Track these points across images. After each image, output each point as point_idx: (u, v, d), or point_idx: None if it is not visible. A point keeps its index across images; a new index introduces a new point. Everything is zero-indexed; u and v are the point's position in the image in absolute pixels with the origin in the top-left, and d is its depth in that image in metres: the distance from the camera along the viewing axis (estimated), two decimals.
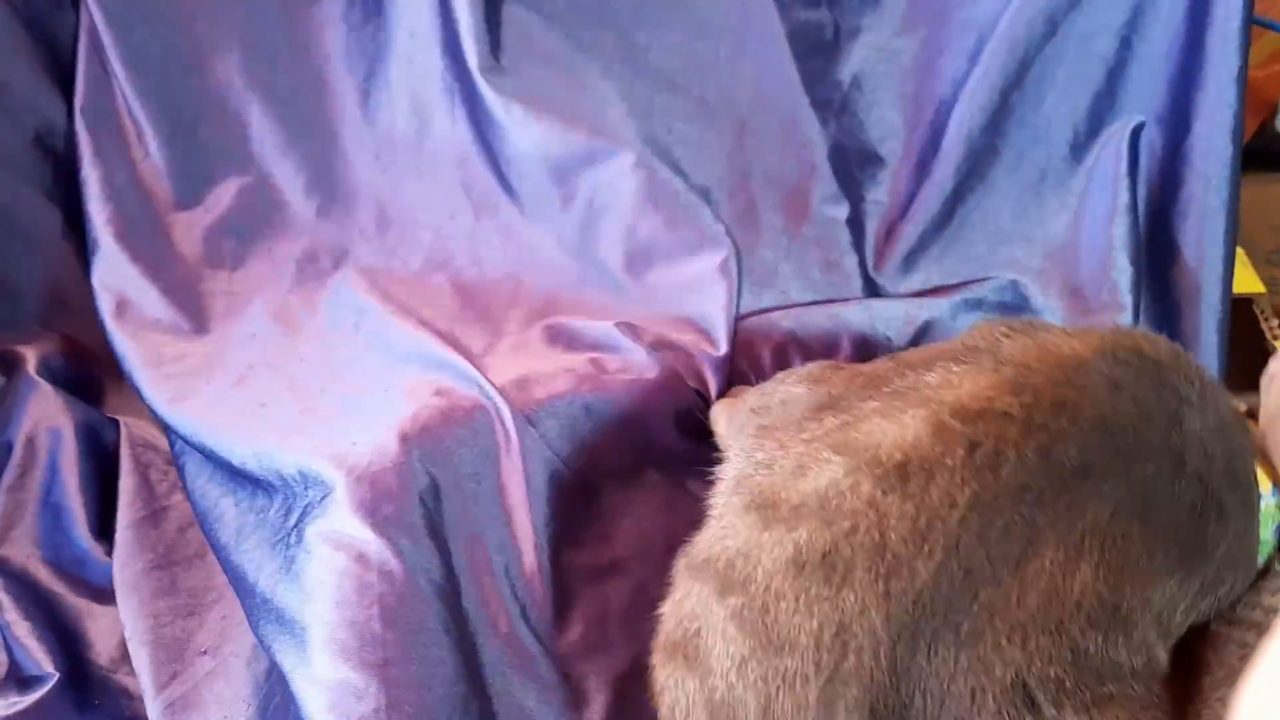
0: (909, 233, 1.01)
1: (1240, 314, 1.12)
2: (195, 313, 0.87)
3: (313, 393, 0.78)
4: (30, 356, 0.91)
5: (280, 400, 0.78)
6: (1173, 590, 0.56)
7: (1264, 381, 0.62)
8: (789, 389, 0.66)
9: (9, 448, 0.87)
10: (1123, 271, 0.94)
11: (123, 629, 0.79)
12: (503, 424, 0.72)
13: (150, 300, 0.87)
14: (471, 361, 0.77)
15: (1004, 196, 1.02)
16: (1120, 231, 0.95)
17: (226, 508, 0.75)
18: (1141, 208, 0.98)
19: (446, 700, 0.60)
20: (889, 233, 1.02)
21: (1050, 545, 0.51)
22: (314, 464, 0.67)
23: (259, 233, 0.94)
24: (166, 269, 0.89)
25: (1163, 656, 0.54)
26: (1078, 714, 0.48)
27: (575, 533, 0.72)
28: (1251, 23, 0.95)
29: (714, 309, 0.83)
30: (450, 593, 0.64)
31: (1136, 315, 0.92)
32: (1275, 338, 1.07)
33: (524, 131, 0.93)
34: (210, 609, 0.75)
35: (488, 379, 0.74)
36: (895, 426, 0.54)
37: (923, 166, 1.02)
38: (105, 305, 0.86)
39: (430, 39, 0.94)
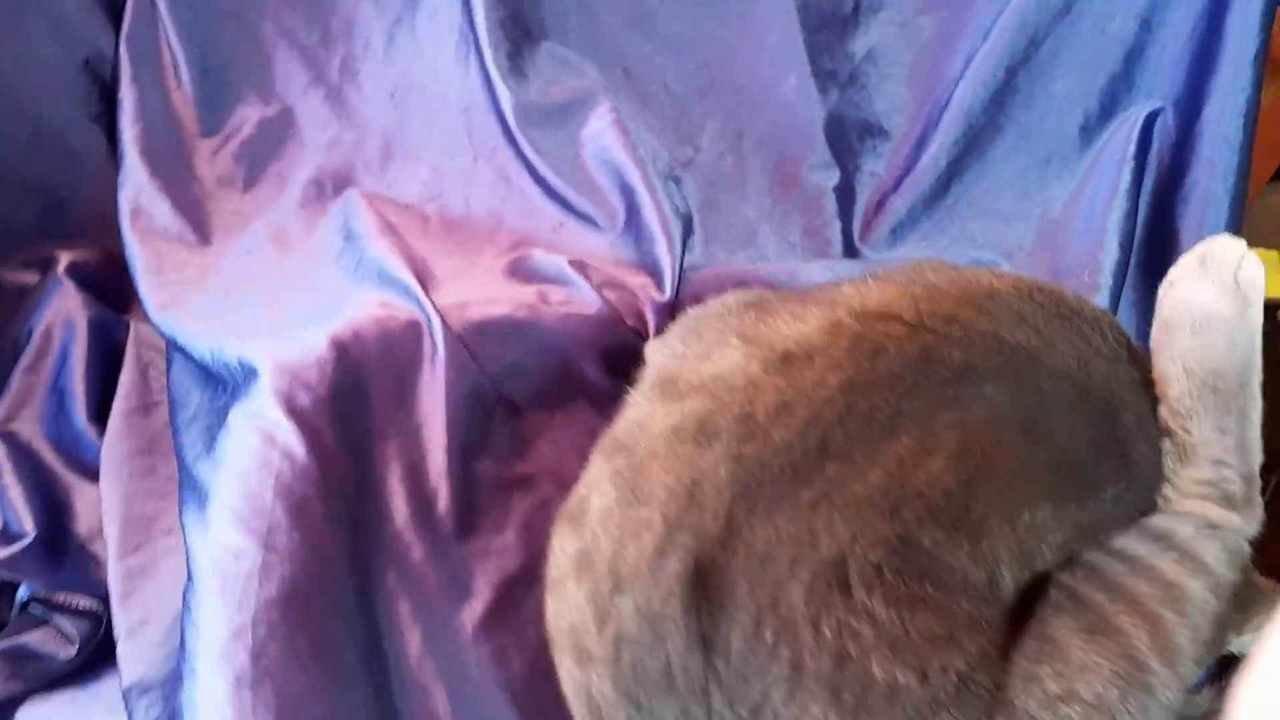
0: (898, 206, 1.00)
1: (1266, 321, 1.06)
2: (200, 226, 0.95)
3: (282, 303, 0.84)
4: (64, 259, 1.00)
5: (254, 308, 0.84)
6: (1045, 518, 0.55)
7: (1162, 288, 0.61)
8: (724, 299, 0.68)
9: (29, 335, 0.96)
10: (1110, 254, 0.91)
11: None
12: (432, 338, 0.76)
13: (162, 212, 0.94)
14: (425, 284, 0.81)
15: (1005, 176, 1.01)
16: (1116, 215, 0.92)
17: (193, 400, 0.81)
18: (1146, 194, 0.94)
19: (323, 575, 0.64)
20: (879, 205, 1.02)
21: (908, 433, 0.52)
22: (250, 354, 0.73)
23: (272, 159, 1.01)
24: (181, 186, 0.97)
25: (1009, 582, 0.53)
26: (887, 606, 0.49)
27: (491, 446, 0.76)
28: (1277, 4, 0.91)
29: (663, 254, 0.85)
30: (349, 483, 0.69)
31: (1115, 299, 0.88)
32: None
33: (523, 87, 0.98)
34: None
35: (430, 298, 0.78)
36: (798, 323, 0.56)
37: (923, 141, 1.02)
38: (124, 213, 0.94)
39: None
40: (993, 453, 0.53)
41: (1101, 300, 0.89)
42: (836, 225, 1.00)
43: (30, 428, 0.93)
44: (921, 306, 0.57)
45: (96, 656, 0.82)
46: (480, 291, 0.82)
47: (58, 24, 1.01)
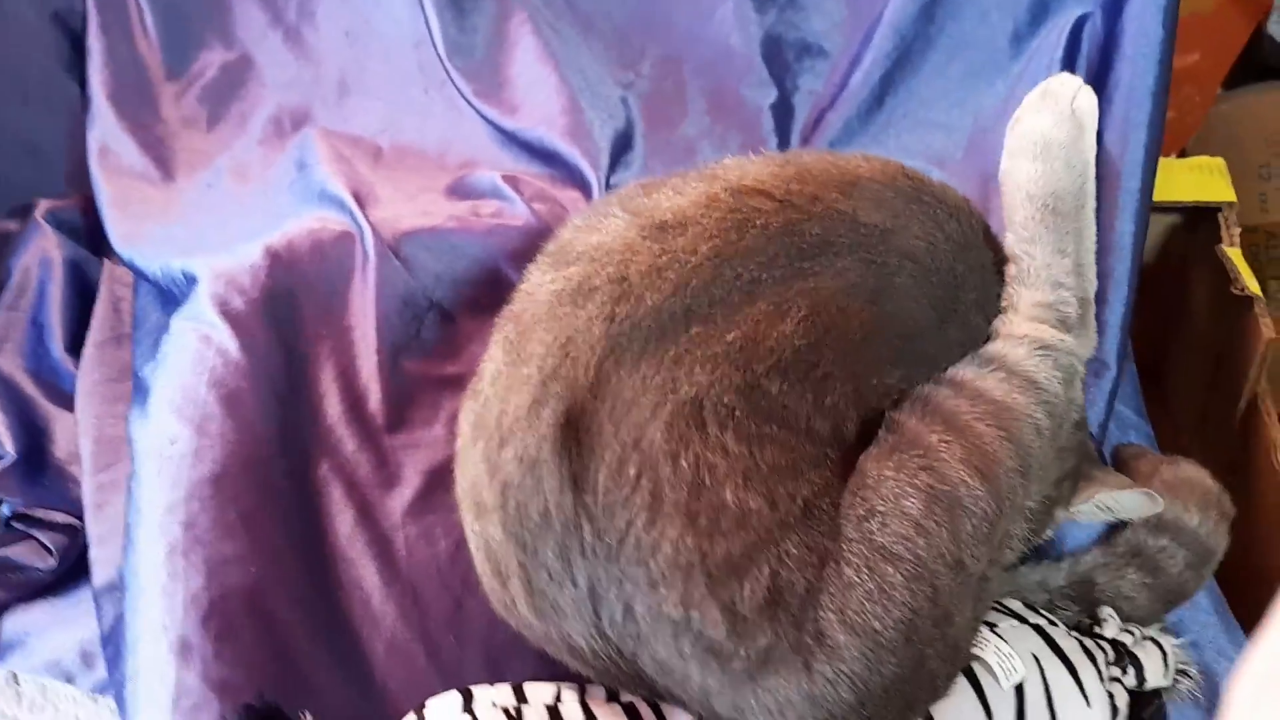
0: (833, 121, 1.02)
1: (1208, 224, 1.07)
2: (164, 164, 1.00)
3: (233, 226, 0.88)
4: (42, 205, 1.06)
5: (206, 231, 0.89)
6: (892, 382, 0.60)
7: (1009, 126, 0.64)
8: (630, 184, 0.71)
9: (9, 275, 1.02)
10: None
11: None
12: (364, 247, 0.80)
13: (128, 150, 0.99)
14: (364, 203, 0.85)
15: (938, 88, 1.02)
16: None
17: (150, 319, 0.87)
18: None
19: (254, 459, 0.69)
20: (816, 121, 1.04)
21: (765, 298, 0.56)
22: (192, 265, 0.77)
23: (234, 99, 1.06)
24: (147, 126, 1.02)
25: (848, 431, 0.58)
26: (739, 441, 0.53)
27: (422, 348, 0.80)
28: None
29: (588, 170, 0.89)
30: (281, 379, 0.73)
31: None
32: (1232, 244, 1.03)
33: (457, 22, 1.02)
34: None
35: (365, 213, 0.82)
36: (677, 196, 0.61)
37: (858, 58, 1.03)
38: (92, 153, 0.99)
39: None
40: (839, 318, 0.58)
41: None
42: (773, 141, 1.03)
43: (11, 360, 0.98)
44: (791, 186, 0.61)
45: (73, 567, 0.88)
46: (415, 207, 0.86)
47: None
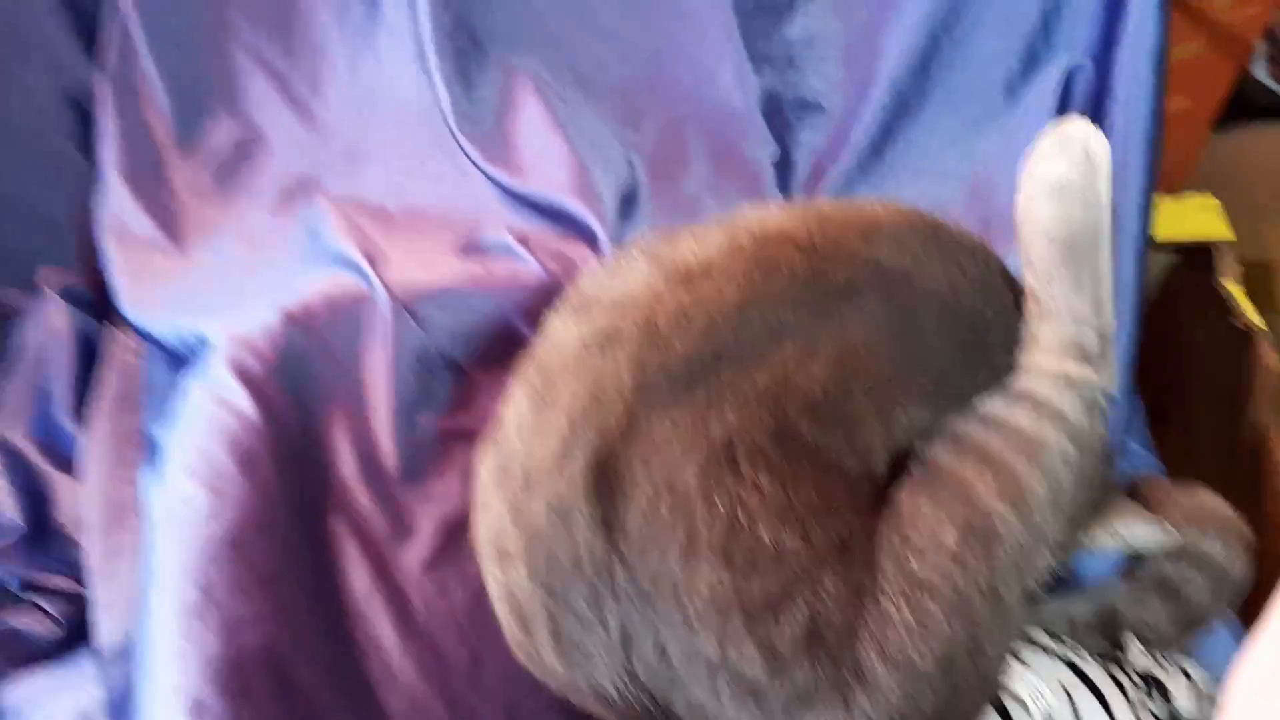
0: (835, 175, 1.04)
1: (1205, 261, 1.09)
2: (175, 233, 1.01)
3: (244, 291, 0.89)
4: (51, 277, 1.07)
5: (217, 295, 0.89)
6: (922, 419, 0.60)
7: (1024, 171, 0.65)
8: (642, 237, 0.72)
9: (19, 348, 1.02)
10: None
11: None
12: (378, 308, 0.81)
13: (139, 221, 1.01)
14: (377, 264, 0.86)
15: (936, 138, 1.05)
16: None
17: (161, 384, 0.87)
18: None
19: (269, 518, 0.68)
20: (818, 176, 1.06)
21: (794, 341, 0.57)
22: (207, 329, 0.78)
23: (244, 171, 1.08)
24: (157, 198, 1.03)
25: (878, 467, 0.58)
26: (772, 479, 0.53)
27: (436, 402, 0.80)
28: None
29: (597, 226, 0.90)
30: (296, 439, 0.74)
31: None
32: (1231, 279, 1.04)
33: (466, 93, 1.04)
34: None
35: (378, 274, 0.83)
36: (700, 244, 0.62)
37: (857, 112, 1.06)
38: (102, 226, 1.01)
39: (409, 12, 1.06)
40: (868, 358, 0.59)
41: None
42: (777, 196, 1.05)
43: (17, 429, 0.98)
44: (813, 232, 0.63)
45: (71, 634, 0.86)
46: (428, 267, 0.87)
47: (44, 56, 1.08)
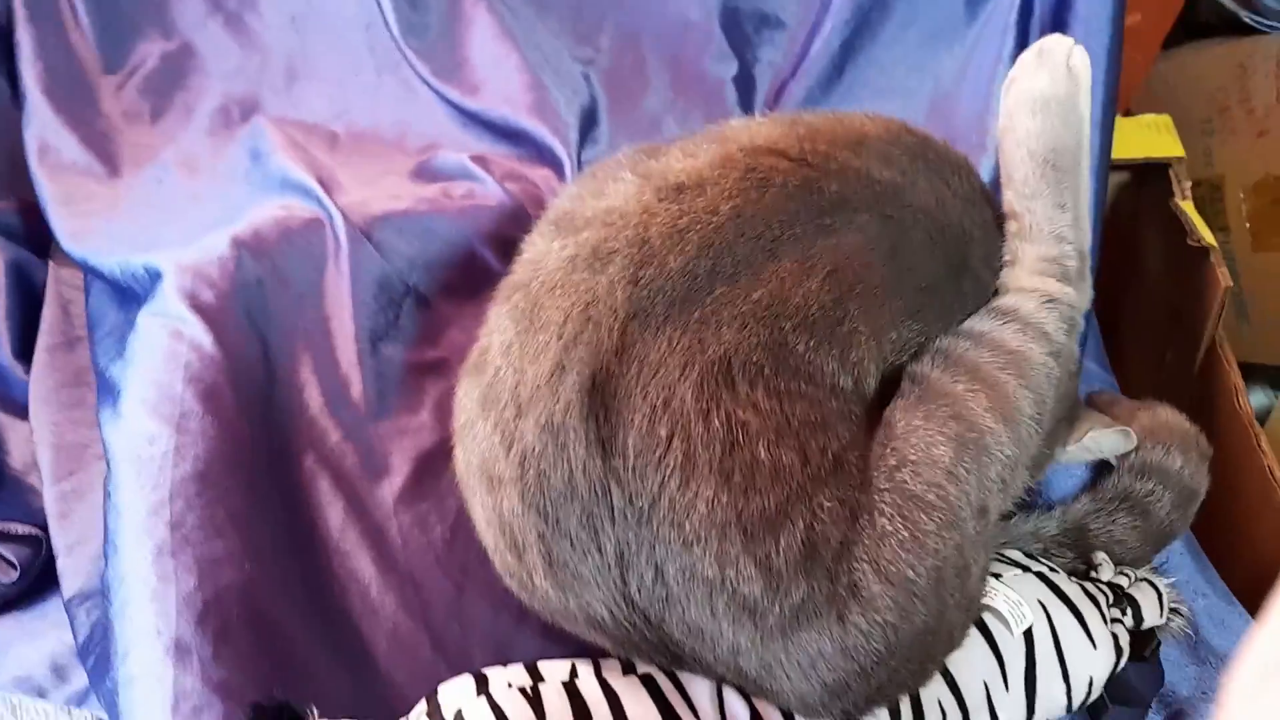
0: (795, 92, 1.02)
1: (1157, 180, 1.10)
2: (109, 159, 0.95)
3: (189, 219, 0.85)
4: None
5: (161, 225, 0.85)
6: (910, 334, 0.61)
7: (1004, 87, 0.65)
8: (618, 153, 0.70)
9: None
10: (995, 117, 0.93)
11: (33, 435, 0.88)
12: (335, 234, 0.78)
13: (69, 146, 0.95)
14: (329, 189, 0.83)
15: (896, 55, 1.03)
16: (1001, 77, 0.94)
17: (108, 318, 0.83)
18: None
19: (236, 455, 0.66)
20: (778, 93, 1.04)
21: (789, 256, 0.56)
22: (155, 260, 0.74)
23: (177, 90, 1.02)
24: (87, 121, 0.97)
25: (869, 386, 0.58)
26: (769, 397, 0.53)
27: (402, 334, 0.78)
28: None
29: (558, 147, 0.87)
30: (258, 373, 0.71)
31: None
32: (1184, 198, 1.06)
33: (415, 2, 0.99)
34: None
35: (332, 198, 0.80)
36: (689, 158, 0.60)
37: (816, 28, 1.04)
38: (31, 151, 0.94)
39: None
40: (863, 273, 0.58)
41: (988, 159, 0.93)
42: (737, 114, 1.02)
43: None
44: (804, 144, 0.62)
45: (37, 580, 0.84)
46: (383, 191, 0.84)
47: None
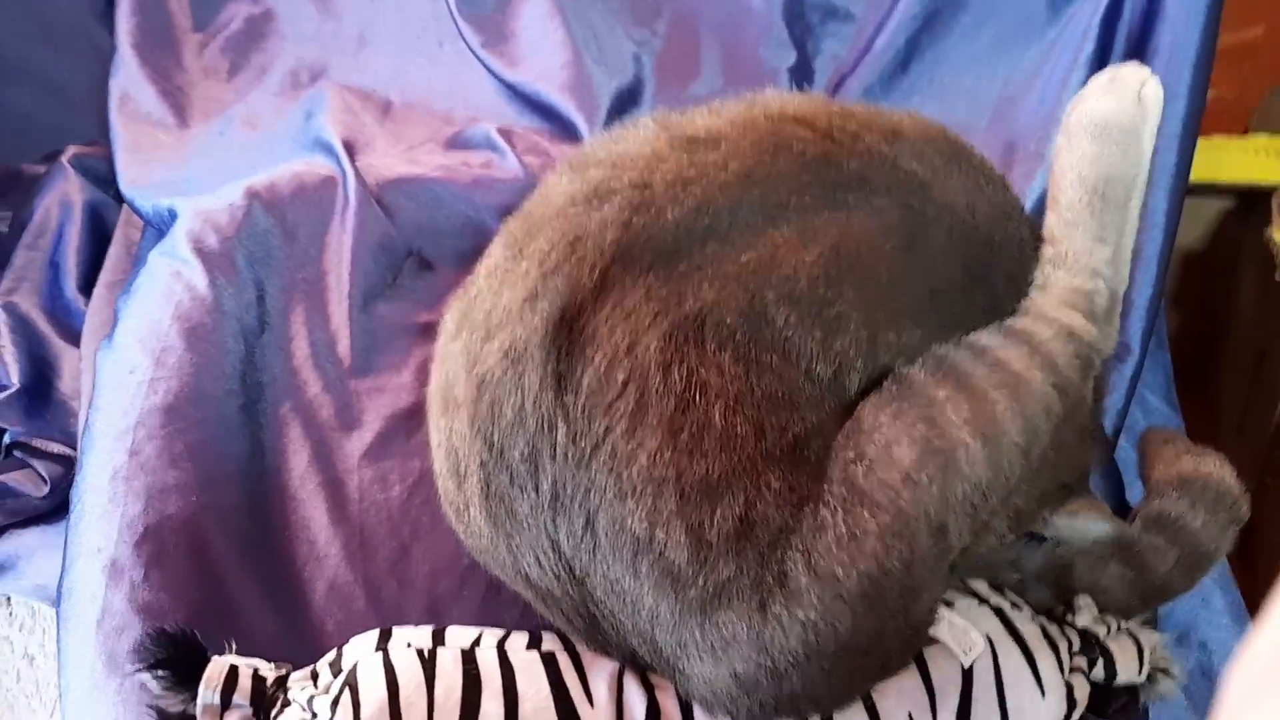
0: (854, 87, 0.98)
1: (1261, 207, 1.00)
2: (181, 111, 1.01)
3: (231, 172, 0.89)
4: (70, 150, 1.08)
5: (205, 176, 0.89)
6: (912, 343, 0.56)
7: (1070, 104, 0.62)
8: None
9: (32, 215, 1.05)
10: (1059, 126, 0.87)
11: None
12: (345, 192, 0.80)
13: (148, 98, 1.01)
14: (358, 150, 0.85)
15: (967, 54, 0.98)
16: (1073, 84, 0.88)
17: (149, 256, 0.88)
18: (1114, 61, 0.90)
19: (208, 392, 0.69)
20: (837, 87, 1.00)
21: (791, 224, 0.54)
22: (176, 203, 0.78)
23: (255, 51, 1.07)
24: (167, 75, 1.04)
25: (852, 384, 0.54)
26: (735, 364, 0.51)
27: (398, 296, 0.79)
28: None
29: (583, 126, 0.87)
30: (250, 318, 0.74)
31: None
32: (1274, 226, 0.95)
33: None
34: None
35: (352, 159, 0.82)
36: (713, 116, 0.59)
37: (884, 22, 0.99)
38: (113, 99, 1.01)
39: None
40: (869, 258, 0.55)
41: (1044, 172, 0.86)
42: None
43: (27, 298, 1.01)
44: (834, 120, 0.59)
45: (66, 497, 0.90)
46: (408, 157, 0.86)
47: None
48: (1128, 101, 0.60)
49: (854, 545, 0.49)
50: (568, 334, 0.51)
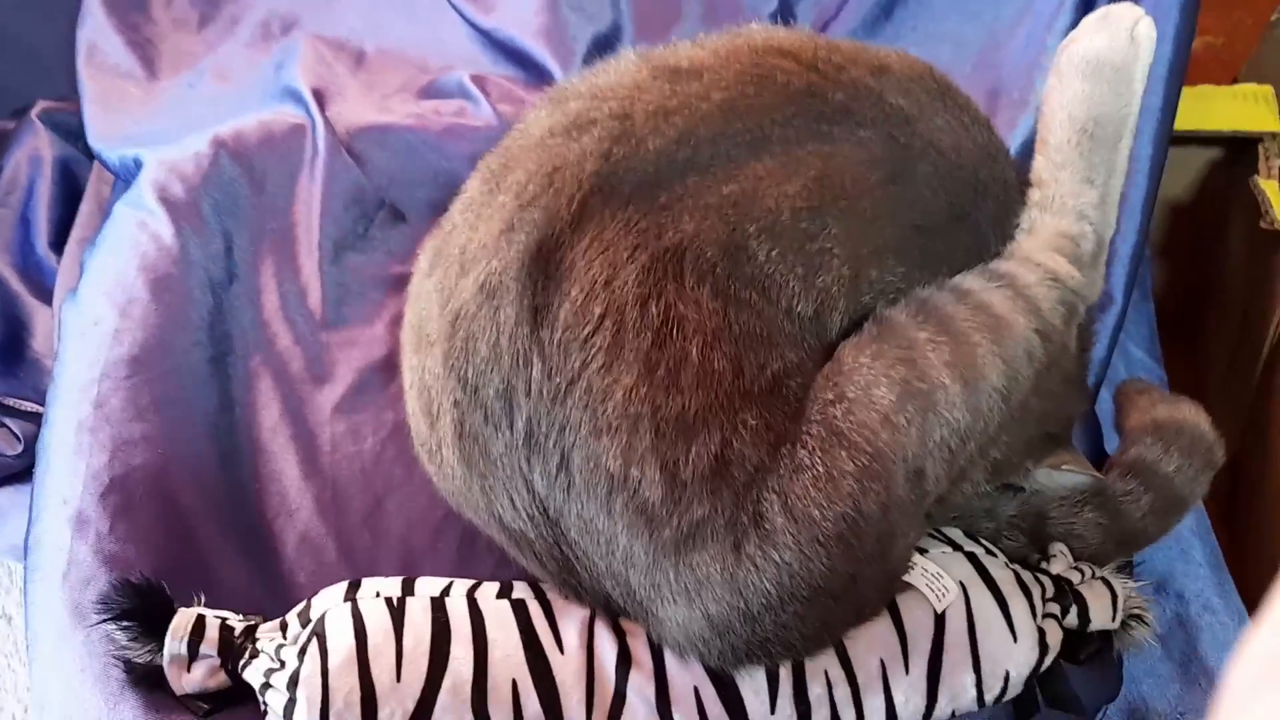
0: (837, 32, 0.97)
1: (1250, 156, 0.99)
2: (150, 63, 0.99)
3: (200, 123, 0.87)
4: (39, 105, 1.06)
5: (174, 127, 0.87)
6: (892, 277, 0.55)
7: (1061, 44, 0.61)
8: None
9: (1, 171, 1.03)
10: (1044, 72, 0.85)
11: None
12: (314, 141, 0.78)
13: (115, 49, 0.99)
14: (328, 100, 0.83)
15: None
16: (1058, 28, 0.86)
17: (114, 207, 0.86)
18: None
19: (175, 344, 0.68)
20: (820, 31, 0.98)
21: (773, 156, 0.53)
22: (142, 154, 0.76)
23: (225, 2, 1.05)
24: (136, 26, 1.01)
25: (834, 323, 0.54)
26: (715, 297, 0.50)
27: (370, 247, 0.78)
28: None
29: (558, 73, 0.85)
30: (217, 269, 0.72)
31: None
32: (1269, 176, 0.94)
33: None
34: None
35: (322, 108, 0.80)
36: (697, 48, 0.58)
37: None
38: (80, 51, 0.99)
39: None
40: (853, 189, 0.54)
41: (1027, 118, 0.85)
42: None
43: (2, 257, 0.99)
44: (819, 53, 0.58)
45: None
46: (380, 106, 0.84)
47: None
48: (1120, 39, 0.59)
49: (830, 486, 0.49)
50: (544, 267, 0.50)
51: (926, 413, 0.50)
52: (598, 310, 0.49)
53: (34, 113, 1.05)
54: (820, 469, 0.49)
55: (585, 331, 0.49)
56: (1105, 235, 0.61)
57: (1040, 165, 0.61)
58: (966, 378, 0.51)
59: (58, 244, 0.99)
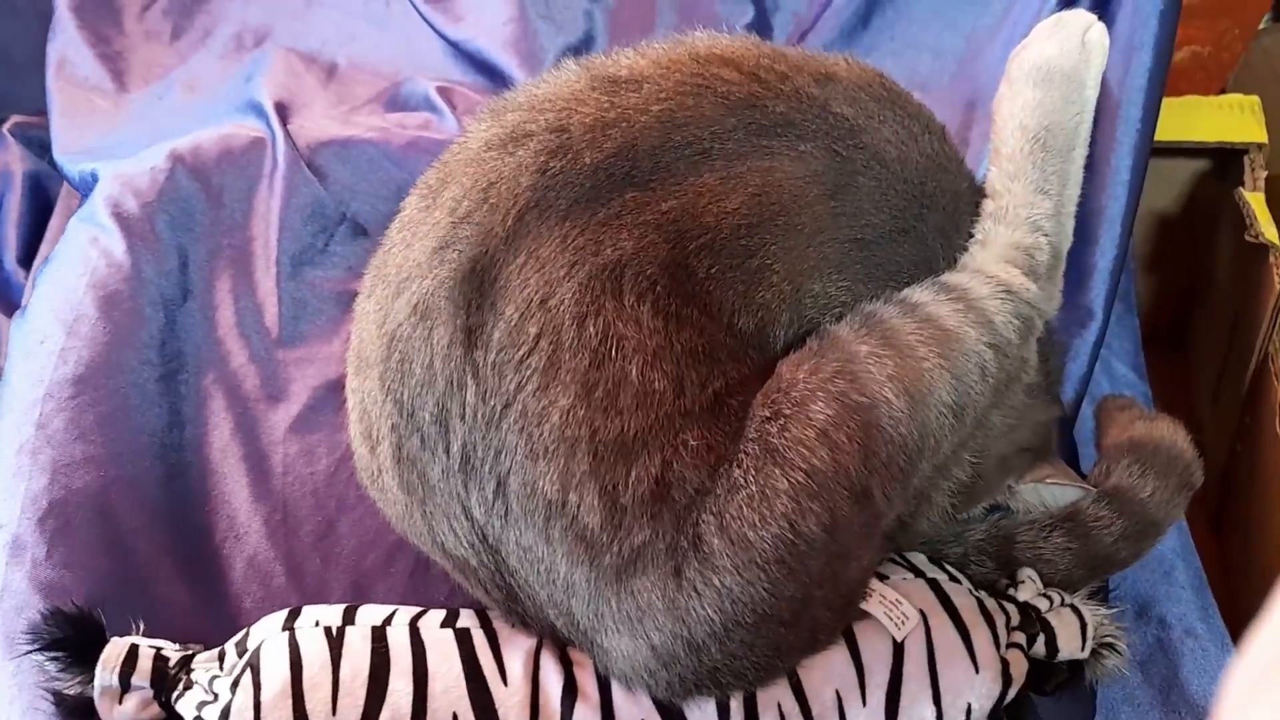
0: (813, 43, 0.95)
1: (1237, 167, 0.97)
2: (120, 76, 0.98)
3: (164, 136, 0.85)
4: (11, 120, 1.05)
5: (137, 140, 0.86)
6: (836, 291, 0.54)
7: (1013, 52, 0.60)
8: None
9: None
10: None
11: None
12: (274, 155, 0.77)
13: (85, 61, 0.98)
14: (291, 113, 0.82)
15: (930, 6, 0.94)
16: None
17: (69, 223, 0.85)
18: None
19: (123, 362, 0.66)
20: (796, 43, 0.96)
21: (713, 170, 0.52)
22: (99, 168, 0.75)
23: (199, 13, 1.04)
24: (107, 39, 1.00)
25: (777, 337, 0.52)
26: (655, 317, 0.48)
27: (329, 262, 0.76)
28: None
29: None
30: (171, 286, 0.71)
31: None
32: (1255, 189, 0.92)
33: None
34: None
35: (283, 121, 0.79)
36: (639, 57, 0.56)
37: None
38: (50, 64, 0.98)
39: None
40: (792, 205, 0.52)
41: None
42: None
43: None
44: (762, 62, 0.56)
45: None
46: (342, 118, 0.83)
47: None
48: (1071, 46, 0.58)
49: (765, 506, 0.47)
50: (478, 286, 0.49)
51: (869, 430, 0.48)
52: (533, 330, 0.47)
53: (5, 127, 1.04)
54: (754, 488, 0.47)
55: (520, 352, 0.47)
56: (1062, 247, 0.60)
57: (994, 176, 0.60)
58: (912, 392, 0.49)
59: (26, 259, 0.98)
